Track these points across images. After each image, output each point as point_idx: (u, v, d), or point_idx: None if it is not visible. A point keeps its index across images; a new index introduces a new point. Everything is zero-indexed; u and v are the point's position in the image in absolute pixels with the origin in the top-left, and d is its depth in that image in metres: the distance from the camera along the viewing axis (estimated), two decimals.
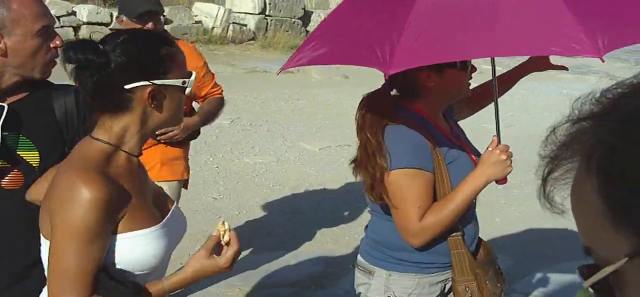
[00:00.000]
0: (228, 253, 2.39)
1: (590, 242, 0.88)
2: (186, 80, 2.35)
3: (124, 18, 4.68)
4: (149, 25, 4.57)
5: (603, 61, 2.48)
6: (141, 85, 2.25)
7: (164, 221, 2.40)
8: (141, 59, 2.27)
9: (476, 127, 5.17)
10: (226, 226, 2.40)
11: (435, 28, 2.75)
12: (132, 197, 2.30)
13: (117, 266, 2.29)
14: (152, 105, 2.29)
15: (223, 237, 2.40)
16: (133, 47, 2.26)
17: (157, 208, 2.45)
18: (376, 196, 3.00)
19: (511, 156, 2.93)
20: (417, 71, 2.95)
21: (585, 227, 0.88)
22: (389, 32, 2.72)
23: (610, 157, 0.82)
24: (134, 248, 2.31)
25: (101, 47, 2.23)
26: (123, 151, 2.31)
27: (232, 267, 2.43)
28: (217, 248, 2.42)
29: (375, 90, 3.11)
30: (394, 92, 3.09)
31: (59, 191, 2.19)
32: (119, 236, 2.27)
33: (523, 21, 2.68)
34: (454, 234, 3.01)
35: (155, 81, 2.26)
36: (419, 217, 2.90)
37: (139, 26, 4.53)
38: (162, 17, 4.76)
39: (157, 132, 4.60)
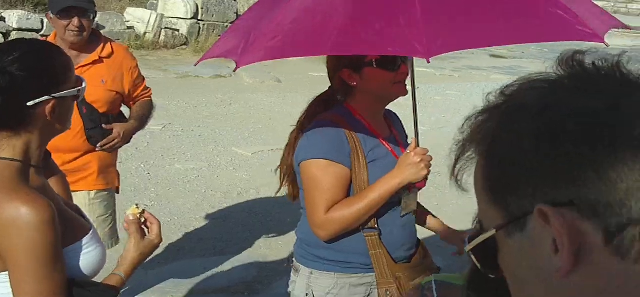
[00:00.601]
0: (155, 229, 2.54)
1: (481, 216, 1.00)
2: (80, 88, 2.35)
3: (52, 15, 4.51)
4: (74, 21, 4.40)
5: (428, 62, 2.54)
6: (43, 101, 2.21)
7: (91, 224, 2.41)
8: (42, 74, 2.23)
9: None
10: (140, 209, 2.55)
11: (292, 25, 2.82)
12: (62, 209, 2.27)
13: (78, 277, 2.28)
14: (52, 118, 2.25)
15: (140, 219, 2.54)
16: (33, 63, 2.22)
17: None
18: (285, 185, 3.21)
19: (428, 160, 2.95)
20: (340, 72, 3.02)
21: (478, 203, 0.99)
22: (258, 28, 2.88)
23: (491, 143, 0.94)
24: (83, 256, 2.31)
25: None
26: (31, 165, 2.27)
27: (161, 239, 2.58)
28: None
29: (321, 93, 3.21)
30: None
31: None
32: (67, 249, 2.24)
33: (369, 20, 2.71)
34: (369, 233, 3.02)
35: (56, 94, 2.24)
36: (325, 208, 2.93)
37: (64, 23, 4.41)
38: (92, 15, 4.56)
39: (100, 143, 4.52)
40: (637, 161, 0.82)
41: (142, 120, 4.86)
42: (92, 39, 4.62)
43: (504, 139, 0.92)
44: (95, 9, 4.63)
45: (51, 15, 4.52)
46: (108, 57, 4.65)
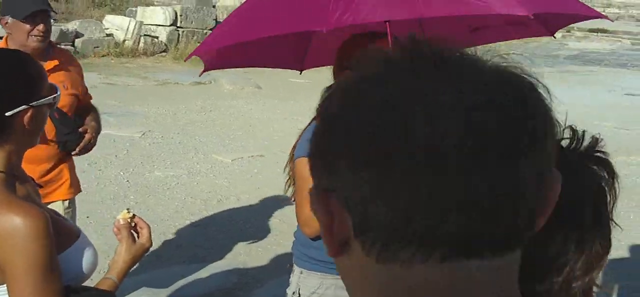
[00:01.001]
0: (145, 233, 2.56)
1: None
2: (55, 95, 2.34)
3: (9, 19, 4.32)
4: (40, 27, 4.26)
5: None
6: (22, 110, 2.19)
7: (79, 228, 2.42)
8: (18, 84, 2.21)
9: None
10: (131, 213, 2.57)
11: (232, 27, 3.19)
12: (53, 217, 2.26)
13: (73, 282, 2.26)
14: (30, 127, 2.24)
15: (131, 223, 2.57)
16: (7, 72, 2.21)
17: None
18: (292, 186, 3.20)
19: None
20: (343, 74, 3.01)
21: None
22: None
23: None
24: (78, 259, 2.31)
25: None
26: (15, 176, 2.25)
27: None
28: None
29: None
30: None
31: None
32: (63, 254, 2.23)
33: (289, 5, 3.04)
34: None
35: (33, 103, 2.22)
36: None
37: (28, 27, 4.26)
38: (51, 18, 4.45)
39: (78, 147, 4.46)
40: (380, 169, 0.80)
41: (99, 122, 4.76)
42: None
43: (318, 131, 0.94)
44: (52, 10, 4.52)
45: (10, 20, 4.33)
46: (66, 62, 4.59)
